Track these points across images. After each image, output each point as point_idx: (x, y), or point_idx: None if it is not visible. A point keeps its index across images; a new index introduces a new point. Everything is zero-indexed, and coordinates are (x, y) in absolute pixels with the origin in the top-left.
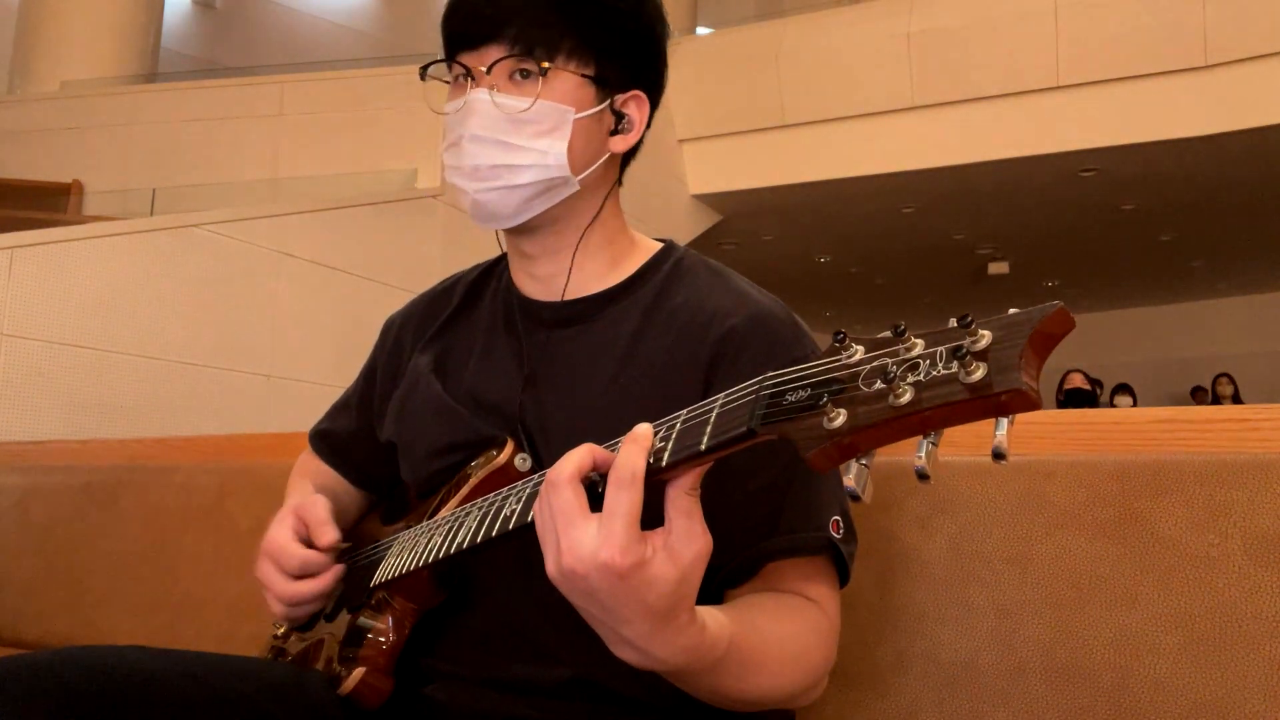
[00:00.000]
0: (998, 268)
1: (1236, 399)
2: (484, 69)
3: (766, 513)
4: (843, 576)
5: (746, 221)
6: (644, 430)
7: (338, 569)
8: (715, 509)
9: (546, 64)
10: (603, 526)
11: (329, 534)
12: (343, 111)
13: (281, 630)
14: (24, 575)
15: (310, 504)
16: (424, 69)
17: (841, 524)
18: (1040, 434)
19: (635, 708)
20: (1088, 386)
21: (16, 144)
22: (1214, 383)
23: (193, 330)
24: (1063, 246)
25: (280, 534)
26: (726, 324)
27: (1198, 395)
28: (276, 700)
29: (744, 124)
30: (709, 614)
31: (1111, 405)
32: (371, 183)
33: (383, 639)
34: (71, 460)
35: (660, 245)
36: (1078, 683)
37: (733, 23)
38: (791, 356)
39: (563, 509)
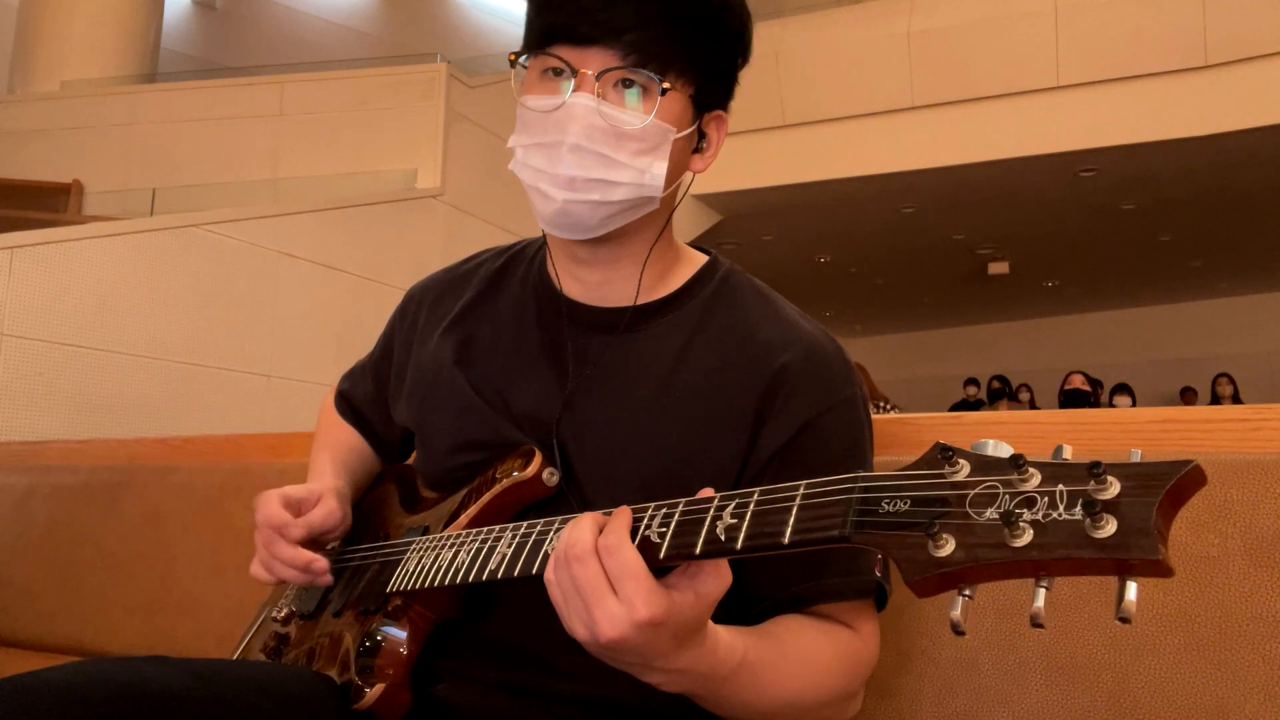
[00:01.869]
0: (998, 268)
1: (1236, 399)
2: (593, 74)
3: (816, 553)
4: (880, 604)
5: (746, 221)
6: (625, 513)
7: (324, 568)
8: None
9: (666, 84)
10: (622, 590)
11: (296, 530)
12: (343, 111)
13: (282, 614)
14: (24, 575)
15: (326, 511)
16: (518, 55)
17: (882, 562)
18: (1040, 434)
19: (646, 719)
20: (1087, 388)
21: (16, 144)
22: (1214, 383)
23: (193, 330)
24: (1063, 246)
25: (275, 493)
26: (780, 359)
27: (1186, 396)
28: (292, 713)
29: (744, 124)
30: (723, 630)
31: (1111, 405)
32: (371, 183)
33: (400, 649)
34: (71, 460)
35: (705, 258)
36: (1078, 683)
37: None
38: (843, 396)
39: (590, 582)
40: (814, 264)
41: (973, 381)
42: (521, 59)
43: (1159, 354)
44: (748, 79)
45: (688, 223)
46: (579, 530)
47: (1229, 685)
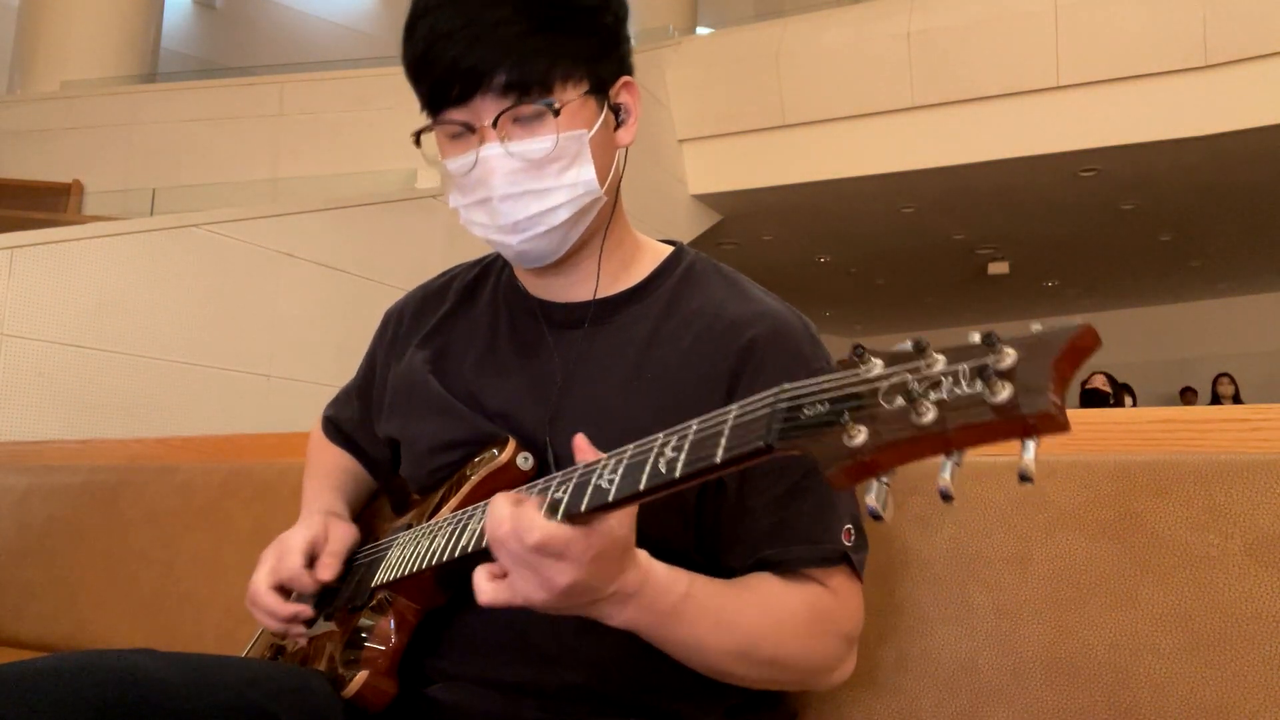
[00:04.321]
0: (998, 268)
1: (1237, 399)
2: (488, 123)
3: (781, 520)
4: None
5: (746, 221)
6: (501, 505)
7: (302, 612)
8: (733, 513)
9: (557, 104)
10: (561, 554)
11: (328, 570)
12: (343, 111)
13: None
14: (24, 575)
15: (340, 529)
16: (417, 137)
17: (853, 532)
18: None
19: (638, 712)
20: (1108, 389)
21: (16, 144)
22: (1214, 383)
23: (193, 330)
24: (1063, 246)
25: (297, 538)
26: (748, 334)
27: (1186, 395)
28: (282, 705)
29: (744, 124)
30: (660, 563)
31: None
32: (371, 183)
33: (385, 640)
34: (71, 460)
35: (670, 248)
36: (1078, 683)
37: (733, 23)
38: (812, 368)
39: (525, 555)
40: (814, 264)
41: None
42: (421, 135)
43: (1159, 354)
44: (748, 79)
45: (688, 223)
46: (496, 516)
47: (1229, 685)
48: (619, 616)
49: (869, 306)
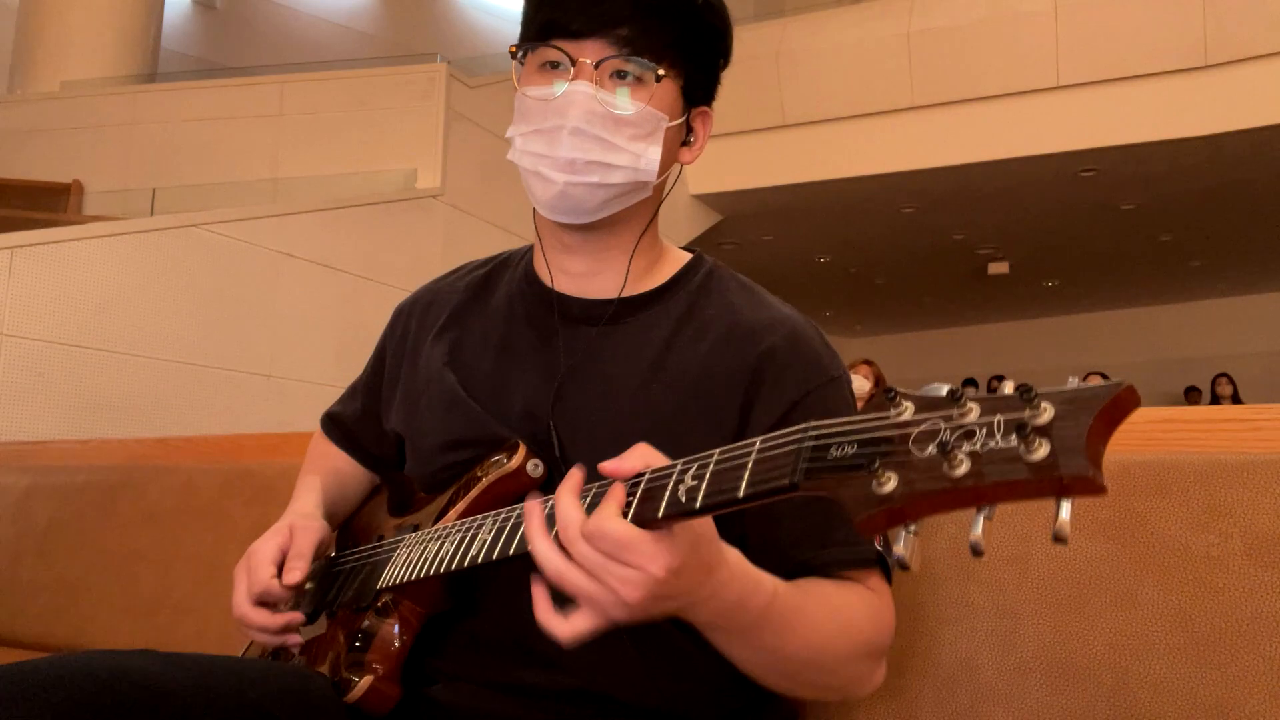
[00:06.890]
0: (998, 268)
1: (1236, 399)
2: (591, 63)
3: (817, 523)
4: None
5: (746, 221)
6: (613, 495)
7: (295, 619)
8: (765, 518)
9: (662, 71)
10: (630, 561)
11: (297, 572)
12: (343, 111)
13: None
14: (24, 575)
15: (304, 530)
16: (518, 48)
17: (883, 540)
18: None
19: (643, 715)
20: None
21: (16, 144)
22: (1214, 383)
23: (193, 330)
24: (1063, 246)
25: (266, 549)
26: (766, 341)
27: (1191, 395)
28: (283, 706)
29: (744, 124)
30: (751, 565)
31: None
32: (371, 183)
33: (389, 644)
34: (71, 460)
35: (691, 255)
36: (1078, 683)
37: (733, 22)
38: (829, 375)
39: (592, 560)
40: (814, 264)
41: (971, 382)
42: (521, 52)
43: (1159, 354)
44: (748, 79)
45: (688, 223)
46: (565, 514)
47: (1229, 685)
48: (706, 614)
49: (869, 306)
